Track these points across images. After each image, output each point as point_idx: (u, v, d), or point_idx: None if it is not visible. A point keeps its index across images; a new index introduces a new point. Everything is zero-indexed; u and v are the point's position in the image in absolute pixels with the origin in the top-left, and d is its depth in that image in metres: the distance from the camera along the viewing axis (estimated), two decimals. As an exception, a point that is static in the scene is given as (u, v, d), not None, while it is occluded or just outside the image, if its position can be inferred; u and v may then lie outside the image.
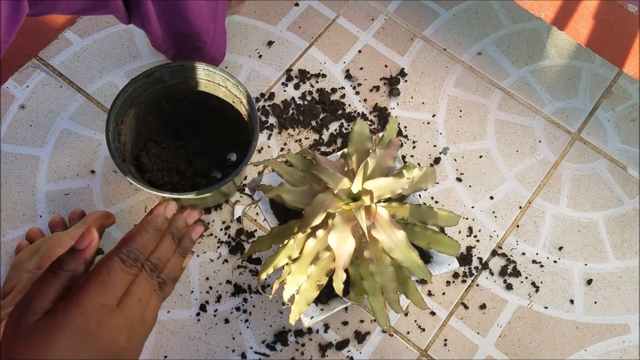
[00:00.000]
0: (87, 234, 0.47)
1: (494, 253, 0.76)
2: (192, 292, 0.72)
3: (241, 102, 0.69)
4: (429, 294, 0.74)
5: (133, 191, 0.77)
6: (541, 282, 0.75)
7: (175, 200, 0.74)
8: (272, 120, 0.81)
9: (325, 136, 0.80)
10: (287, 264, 0.56)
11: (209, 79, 0.69)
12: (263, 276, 0.57)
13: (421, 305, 0.56)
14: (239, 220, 0.76)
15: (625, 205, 0.80)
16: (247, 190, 0.77)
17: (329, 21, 0.88)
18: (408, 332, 0.72)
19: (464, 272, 0.75)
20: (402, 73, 0.85)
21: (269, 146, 0.80)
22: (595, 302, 0.75)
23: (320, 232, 0.53)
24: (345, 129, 0.81)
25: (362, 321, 0.72)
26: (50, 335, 0.42)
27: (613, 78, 0.87)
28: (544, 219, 0.79)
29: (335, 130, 0.81)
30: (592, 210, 0.79)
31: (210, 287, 0.73)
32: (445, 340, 0.72)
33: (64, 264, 0.46)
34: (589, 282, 0.76)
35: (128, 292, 0.47)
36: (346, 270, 0.51)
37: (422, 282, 0.73)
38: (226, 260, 0.74)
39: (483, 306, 0.74)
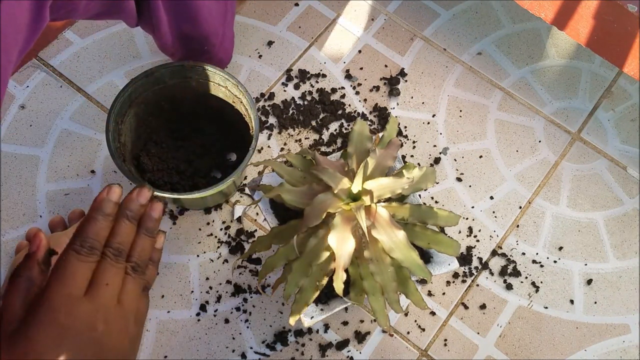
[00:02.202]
0: (34, 237, 0.48)
1: (494, 253, 0.76)
2: (192, 292, 0.73)
3: (241, 102, 0.69)
4: (429, 294, 0.74)
5: (133, 191, 0.77)
6: (541, 282, 0.75)
7: (175, 201, 0.74)
8: (272, 120, 0.81)
9: (325, 136, 0.80)
10: (287, 264, 0.56)
11: (209, 79, 0.69)
12: (263, 276, 0.57)
13: (421, 305, 0.56)
14: (239, 220, 0.76)
15: (625, 205, 0.80)
16: (247, 190, 0.77)
17: (329, 21, 0.88)
18: (408, 332, 0.72)
19: (464, 272, 0.75)
20: (402, 73, 0.85)
21: (269, 146, 0.80)
22: (595, 302, 0.75)
23: (320, 232, 0.53)
24: (345, 129, 0.81)
25: (362, 321, 0.72)
26: (27, 340, 0.43)
27: (613, 78, 0.87)
28: (544, 219, 0.79)
29: (335, 130, 0.81)
30: (592, 210, 0.79)
31: (210, 287, 0.73)
32: (445, 340, 0.72)
33: (18, 271, 0.47)
34: (589, 282, 0.76)
35: (93, 280, 0.47)
36: (346, 270, 0.51)
37: (422, 282, 0.73)
38: (226, 260, 0.74)
39: (483, 306, 0.74)
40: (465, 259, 0.75)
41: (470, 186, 0.80)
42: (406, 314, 0.73)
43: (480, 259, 0.76)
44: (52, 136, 0.79)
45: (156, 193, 0.64)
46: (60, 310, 0.44)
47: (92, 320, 0.45)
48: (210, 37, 0.70)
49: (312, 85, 0.83)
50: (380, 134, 0.78)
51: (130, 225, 0.50)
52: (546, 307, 0.74)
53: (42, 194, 0.76)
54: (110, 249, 0.49)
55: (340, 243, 0.51)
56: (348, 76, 0.84)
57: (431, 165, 0.80)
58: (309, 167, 0.57)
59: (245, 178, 0.78)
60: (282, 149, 0.80)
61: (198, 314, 0.72)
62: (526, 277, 0.75)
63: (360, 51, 0.86)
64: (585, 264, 0.76)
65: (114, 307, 0.47)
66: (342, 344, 0.71)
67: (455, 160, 0.81)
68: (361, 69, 0.85)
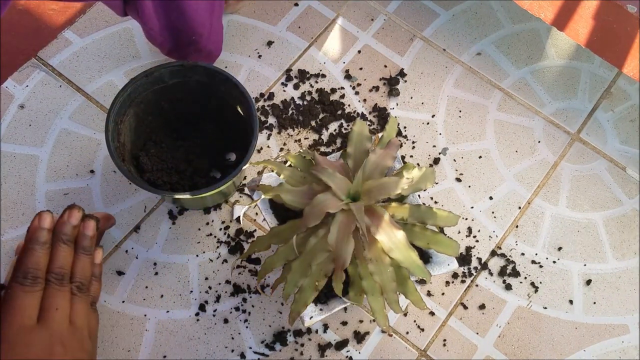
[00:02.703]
0: None
1: (493, 253, 0.76)
2: (191, 292, 0.72)
3: (240, 102, 0.69)
4: (428, 294, 0.74)
5: (132, 191, 0.77)
6: (540, 283, 0.75)
7: (174, 200, 0.74)
8: (271, 120, 0.81)
9: (325, 136, 0.80)
10: (286, 264, 0.56)
11: (208, 78, 0.69)
12: (262, 276, 0.57)
13: (420, 305, 0.56)
14: (238, 220, 0.76)
15: (624, 206, 0.80)
16: (246, 190, 0.77)
17: (329, 21, 0.88)
18: (407, 332, 0.72)
19: (463, 272, 0.75)
20: (402, 73, 0.85)
21: (268, 146, 0.80)
22: (595, 303, 0.75)
23: (319, 232, 0.53)
24: (345, 129, 0.81)
25: (361, 321, 0.72)
26: None
27: (612, 79, 0.87)
28: (543, 220, 0.79)
29: (335, 130, 0.81)
30: (591, 210, 0.79)
31: (210, 287, 0.73)
32: (445, 340, 0.72)
33: None
34: (588, 282, 0.76)
35: (43, 307, 0.49)
36: (345, 270, 0.51)
37: (422, 282, 0.73)
38: (225, 260, 0.74)
39: (482, 306, 0.74)
40: (464, 259, 0.75)
41: (469, 186, 0.80)
42: (405, 314, 0.73)
43: (479, 259, 0.76)
44: (52, 136, 0.79)
45: (156, 193, 0.63)
46: (17, 343, 0.46)
47: (49, 346, 0.47)
48: (197, 27, 0.70)
49: (311, 85, 0.83)
50: (380, 134, 0.78)
51: (67, 248, 0.53)
52: (545, 308, 0.74)
53: (41, 193, 0.76)
54: (52, 275, 0.51)
55: (340, 243, 0.51)
56: (347, 76, 0.84)
57: (430, 165, 0.80)
58: (309, 167, 0.57)
59: (245, 178, 0.78)
60: (281, 149, 0.80)
61: (197, 314, 0.72)
62: (525, 278, 0.75)
63: (359, 51, 0.86)
64: (585, 265, 0.77)
65: (67, 329, 0.49)
66: (341, 344, 0.71)
67: (454, 160, 0.81)
68: (361, 69, 0.85)
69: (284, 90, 0.83)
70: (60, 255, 0.52)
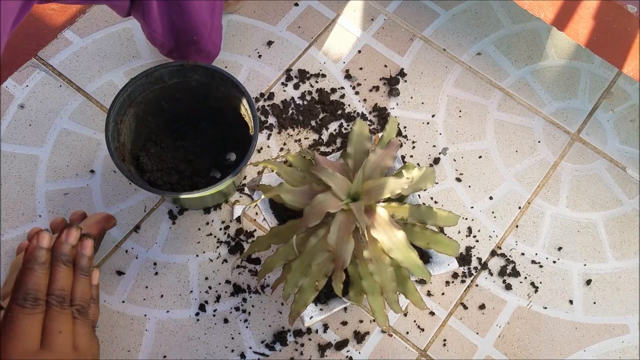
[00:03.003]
0: None
1: (493, 253, 0.76)
2: (192, 292, 0.72)
3: (241, 102, 0.69)
4: (428, 294, 0.74)
5: (132, 191, 0.77)
6: (540, 283, 0.75)
7: (174, 200, 0.74)
8: (271, 120, 0.81)
9: (325, 136, 0.80)
10: (286, 263, 0.56)
11: (208, 78, 0.69)
12: (262, 276, 0.57)
13: (420, 305, 0.56)
14: (238, 220, 0.76)
15: (624, 206, 0.80)
16: (246, 190, 0.77)
17: (329, 21, 0.88)
18: (407, 332, 0.72)
19: (463, 272, 0.75)
20: (402, 73, 0.85)
21: (268, 146, 0.80)
22: (595, 303, 0.75)
23: (319, 232, 0.53)
24: (345, 129, 0.81)
25: (361, 321, 0.72)
26: None
27: (612, 78, 0.87)
28: (543, 219, 0.79)
29: (335, 130, 0.81)
30: (591, 210, 0.79)
31: (210, 287, 0.73)
32: (445, 340, 0.72)
33: None
34: (588, 282, 0.76)
35: (46, 330, 0.48)
36: (345, 270, 0.51)
37: (422, 282, 0.73)
38: (225, 260, 0.74)
39: (482, 306, 0.74)
40: (464, 259, 0.75)
41: (469, 186, 0.80)
42: (405, 314, 0.73)
43: (479, 259, 0.76)
44: (52, 136, 0.79)
45: (156, 193, 0.63)
46: None
47: None
48: (198, 27, 0.71)
49: (311, 85, 0.83)
50: (380, 134, 0.78)
51: (67, 269, 0.52)
52: (545, 308, 0.74)
53: (41, 193, 0.76)
54: (53, 297, 0.49)
55: (340, 243, 0.51)
56: (348, 76, 0.84)
57: (431, 165, 0.80)
58: (309, 167, 0.57)
59: (245, 178, 0.78)
60: (281, 149, 0.80)
61: (197, 314, 0.72)
62: (525, 278, 0.75)
63: (359, 51, 0.86)
64: (585, 265, 0.77)
65: (72, 354, 0.48)
66: (341, 344, 0.71)
67: (454, 160, 0.81)
68: (361, 69, 0.85)
69: (284, 90, 0.83)
70: (60, 277, 0.51)
